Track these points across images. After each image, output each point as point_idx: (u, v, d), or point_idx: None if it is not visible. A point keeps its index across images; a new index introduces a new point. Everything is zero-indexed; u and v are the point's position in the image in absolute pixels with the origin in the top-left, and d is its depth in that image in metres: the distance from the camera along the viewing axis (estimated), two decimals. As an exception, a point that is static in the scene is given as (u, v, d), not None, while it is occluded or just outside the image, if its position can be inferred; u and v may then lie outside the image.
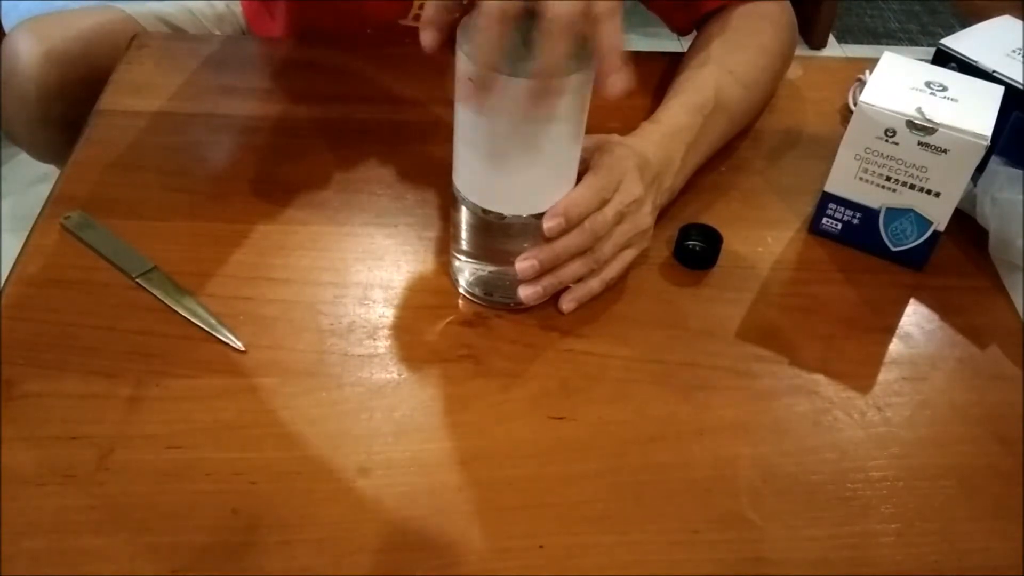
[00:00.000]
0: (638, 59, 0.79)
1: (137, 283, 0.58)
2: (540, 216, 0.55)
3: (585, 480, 0.51)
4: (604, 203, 0.57)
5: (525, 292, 0.57)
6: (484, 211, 0.55)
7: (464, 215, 0.57)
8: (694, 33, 0.81)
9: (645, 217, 0.60)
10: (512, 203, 0.55)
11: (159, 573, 0.45)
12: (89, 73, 0.81)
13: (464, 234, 0.58)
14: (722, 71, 0.71)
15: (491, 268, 0.59)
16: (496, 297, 0.59)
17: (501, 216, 0.55)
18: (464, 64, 0.50)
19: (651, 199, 0.61)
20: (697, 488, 0.51)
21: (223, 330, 0.56)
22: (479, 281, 0.60)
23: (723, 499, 0.50)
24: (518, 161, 0.53)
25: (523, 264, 0.56)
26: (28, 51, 0.82)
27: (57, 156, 0.94)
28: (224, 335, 0.56)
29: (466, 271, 0.60)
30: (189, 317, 0.57)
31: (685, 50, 0.79)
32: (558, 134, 0.52)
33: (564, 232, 0.55)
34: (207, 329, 0.56)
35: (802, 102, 0.83)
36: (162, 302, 0.57)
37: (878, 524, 0.50)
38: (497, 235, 0.57)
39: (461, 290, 0.60)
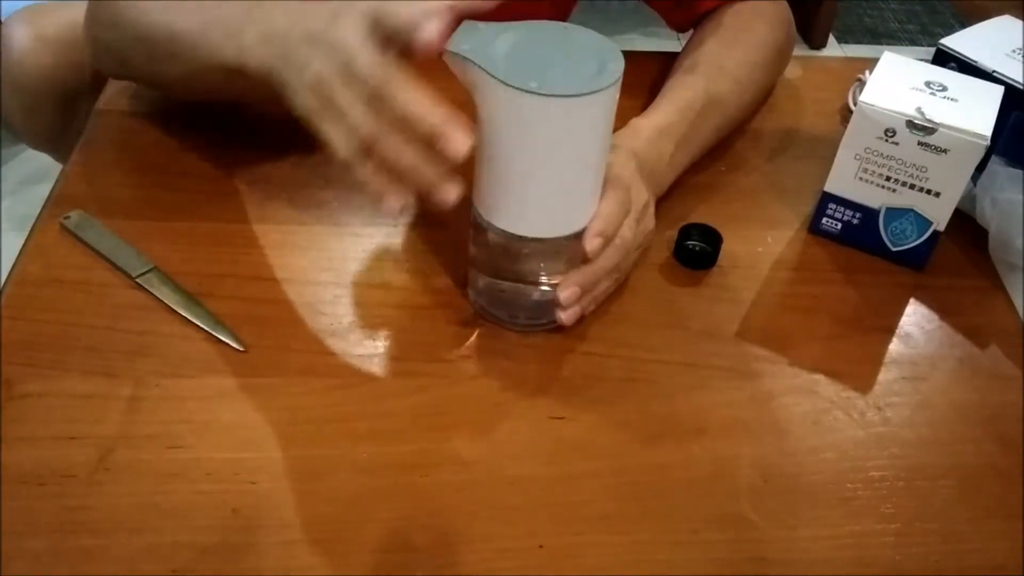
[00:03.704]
0: (638, 59, 0.79)
1: (137, 283, 0.58)
2: (566, 237, 0.53)
3: (585, 480, 0.51)
4: (627, 214, 0.56)
5: (567, 315, 0.55)
6: (509, 234, 0.53)
7: (488, 237, 0.54)
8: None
9: (651, 219, 0.61)
10: (536, 226, 0.53)
11: (159, 573, 0.45)
12: (83, 59, 0.81)
13: (486, 258, 0.56)
14: (712, 67, 0.71)
15: (516, 288, 0.57)
16: (521, 319, 0.58)
17: (519, 237, 0.53)
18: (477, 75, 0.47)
19: (652, 196, 0.61)
20: (697, 488, 0.51)
21: (223, 330, 0.56)
22: (502, 303, 0.58)
23: (723, 499, 0.50)
24: (549, 184, 0.51)
25: (566, 293, 0.54)
26: (22, 38, 0.83)
27: (51, 142, 0.94)
28: (224, 335, 0.56)
29: (488, 293, 0.58)
30: (189, 317, 0.57)
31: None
32: (590, 153, 0.51)
33: (603, 248, 0.55)
34: (207, 329, 0.56)
35: (802, 102, 0.83)
36: (162, 302, 0.57)
37: (878, 524, 0.50)
38: (522, 256, 0.55)
39: (481, 313, 0.58)
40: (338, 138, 0.48)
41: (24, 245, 0.61)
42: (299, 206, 0.67)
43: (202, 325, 0.56)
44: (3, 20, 0.87)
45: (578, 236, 0.54)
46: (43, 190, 0.66)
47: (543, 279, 0.56)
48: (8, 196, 1.61)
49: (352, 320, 0.58)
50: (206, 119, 0.73)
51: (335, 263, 0.62)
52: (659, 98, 0.68)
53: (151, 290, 0.58)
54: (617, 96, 0.50)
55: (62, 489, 0.48)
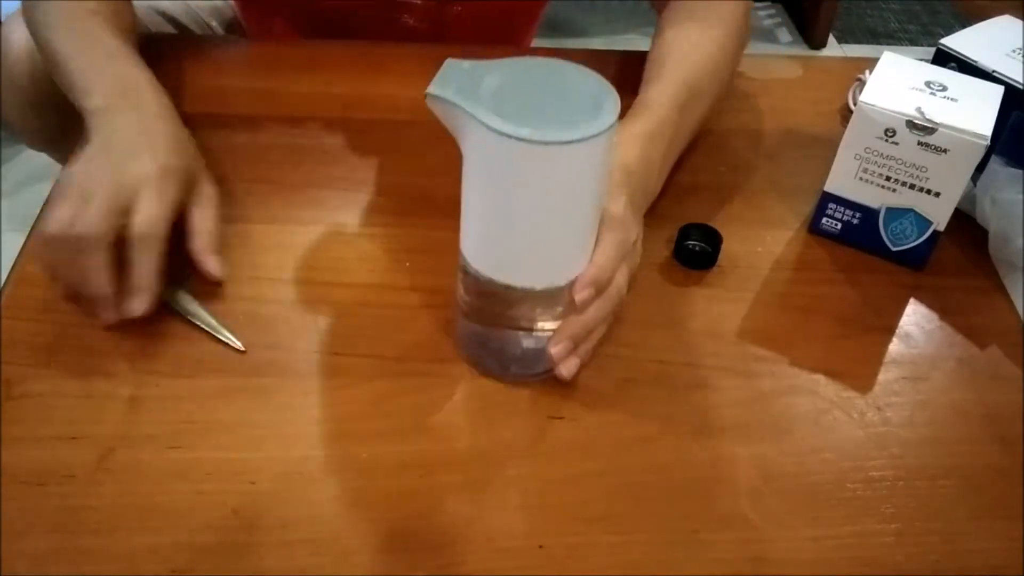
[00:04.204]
0: (638, 59, 0.78)
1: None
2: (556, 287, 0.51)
3: (585, 480, 0.51)
4: (623, 259, 0.54)
5: (566, 368, 0.53)
6: (497, 283, 0.50)
7: (476, 282, 0.51)
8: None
9: (639, 253, 0.58)
10: (530, 276, 0.50)
11: (159, 573, 0.45)
12: None
13: (475, 303, 0.53)
14: (687, 57, 0.70)
15: (508, 335, 0.54)
16: (513, 369, 0.55)
17: (513, 287, 0.50)
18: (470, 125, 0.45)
19: (640, 225, 0.59)
20: (697, 488, 0.51)
21: (223, 330, 0.56)
22: (492, 350, 0.55)
23: (723, 499, 0.50)
24: (543, 233, 0.48)
25: (558, 348, 0.52)
26: (21, 36, 0.83)
27: (50, 142, 0.95)
28: (224, 335, 0.56)
29: (477, 340, 0.55)
30: (189, 317, 0.57)
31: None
32: (586, 201, 0.48)
33: (595, 299, 0.52)
34: (207, 329, 0.56)
35: (802, 102, 0.83)
36: (162, 302, 0.57)
37: (878, 524, 0.50)
38: (514, 302, 0.52)
39: (470, 362, 0.56)
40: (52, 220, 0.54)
41: (24, 245, 0.61)
42: (299, 206, 0.67)
43: (202, 325, 0.56)
44: (3, 20, 0.87)
45: (574, 282, 0.51)
46: (43, 190, 0.66)
47: (537, 325, 0.53)
48: (8, 196, 1.61)
49: (352, 320, 0.58)
50: (206, 120, 0.73)
51: (335, 263, 0.62)
52: (643, 94, 0.66)
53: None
54: (614, 139, 0.47)
55: (62, 489, 0.48)
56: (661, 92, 0.66)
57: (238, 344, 0.56)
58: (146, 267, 0.54)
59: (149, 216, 0.55)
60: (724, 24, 0.74)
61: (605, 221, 0.52)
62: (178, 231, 0.58)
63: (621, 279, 0.54)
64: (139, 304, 0.54)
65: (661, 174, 0.65)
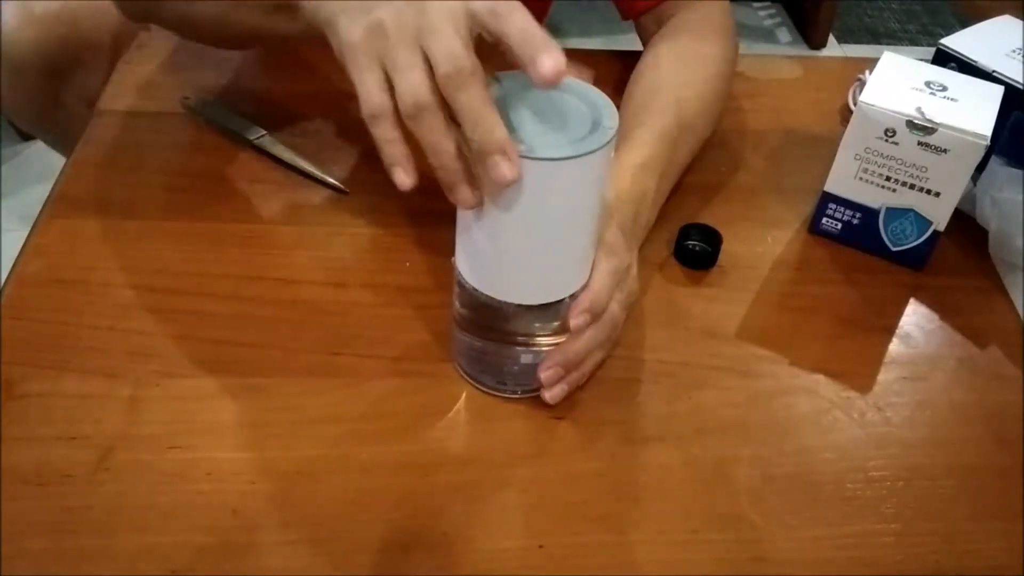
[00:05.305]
0: (636, 59, 0.78)
1: (254, 144, 0.70)
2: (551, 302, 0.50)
3: (585, 480, 0.51)
4: (619, 284, 0.53)
5: (552, 394, 0.52)
6: (492, 298, 0.49)
7: (473, 297, 0.50)
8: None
9: (635, 280, 0.57)
10: (526, 292, 0.49)
11: (159, 573, 0.45)
12: (68, 32, 0.82)
13: (471, 317, 0.52)
14: (679, 90, 0.69)
15: (505, 350, 0.53)
16: (510, 385, 0.54)
17: (510, 304, 0.50)
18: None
19: (635, 255, 0.58)
20: (697, 488, 0.51)
21: (327, 177, 0.67)
22: (488, 365, 0.54)
23: (723, 499, 0.50)
24: (539, 250, 0.47)
25: (548, 373, 0.52)
26: (10, 14, 0.84)
27: (38, 118, 0.95)
28: (328, 180, 0.67)
29: (473, 355, 0.54)
30: (300, 168, 0.68)
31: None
32: (583, 218, 0.47)
33: (590, 324, 0.51)
34: (316, 175, 0.68)
35: (802, 102, 0.83)
36: (276, 158, 0.68)
37: (878, 524, 0.50)
38: (511, 317, 0.51)
39: (465, 376, 0.55)
40: (374, 91, 0.45)
41: (24, 245, 0.61)
42: (299, 206, 0.67)
43: (312, 171, 0.68)
44: None
45: (573, 297, 0.50)
46: (43, 190, 0.66)
47: (534, 340, 0.52)
48: (8, 196, 1.61)
49: (352, 320, 0.58)
50: (206, 119, 0.73)
51: (335, 263, 0.62)
52: (634, 127, 0.64)
53: (266, 149, 0.69)
54: (612, 155, 0.46)
55: (62, 489, 0.48)
56: (654, 124, 0.64)
57: (343, 186, 0.67)
58: (477, 101, 0.43)
59: (456, 55, 0.43)
60: (718, 54, 0.73)
61: (602, 247, 0.51)
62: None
63: (616, 307, 0.53)
64: (507, 167, 0.42)
65: (654, 205, 0.63)
